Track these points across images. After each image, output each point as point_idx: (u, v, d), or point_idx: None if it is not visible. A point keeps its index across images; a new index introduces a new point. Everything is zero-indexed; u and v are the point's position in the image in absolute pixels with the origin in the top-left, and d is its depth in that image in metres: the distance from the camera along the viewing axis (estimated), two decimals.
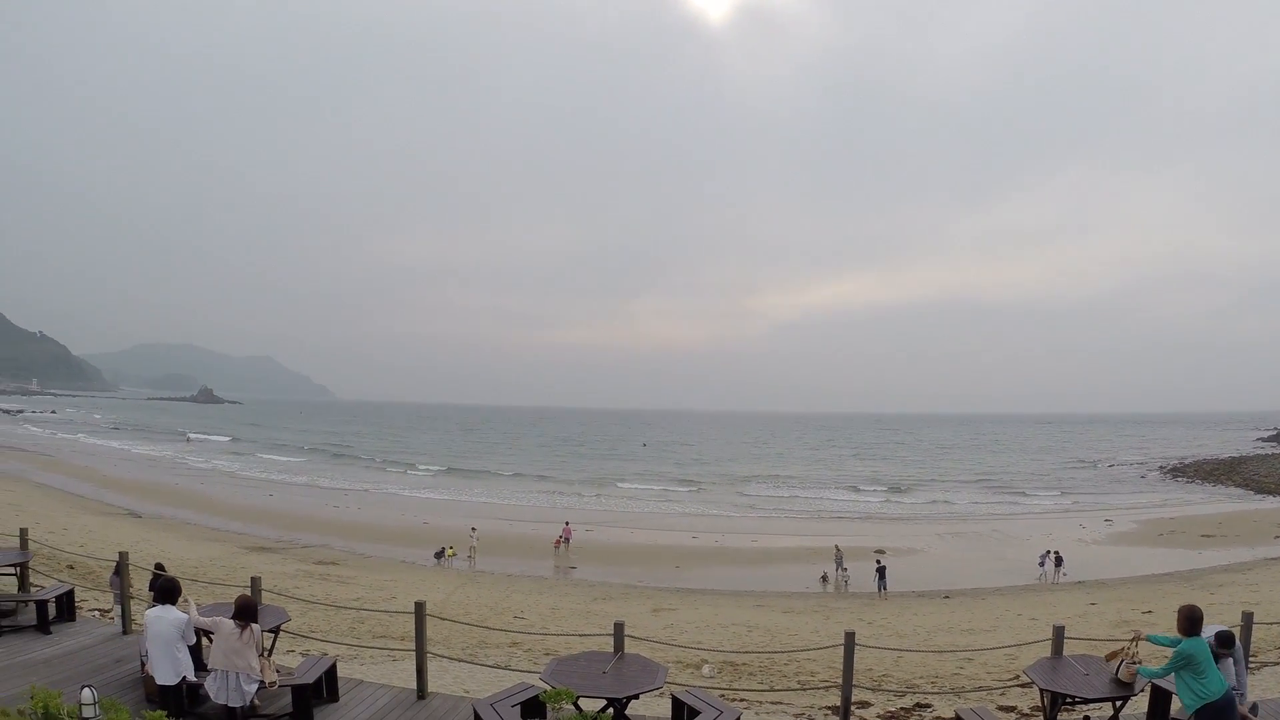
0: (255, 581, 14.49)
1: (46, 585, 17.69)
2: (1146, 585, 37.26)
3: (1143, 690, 11.38)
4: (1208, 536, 52.80)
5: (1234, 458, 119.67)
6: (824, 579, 41.46)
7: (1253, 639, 14.08)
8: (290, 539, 47.60)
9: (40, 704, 8.50)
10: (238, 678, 10.89)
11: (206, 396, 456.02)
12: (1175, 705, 10.77)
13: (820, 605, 34.97)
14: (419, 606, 13.40)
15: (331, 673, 12.56)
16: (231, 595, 13.25)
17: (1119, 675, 11.06)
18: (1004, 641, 24.80)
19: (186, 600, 11.96)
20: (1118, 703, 11.07)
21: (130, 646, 14.28)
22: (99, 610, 20.45)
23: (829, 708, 16.59)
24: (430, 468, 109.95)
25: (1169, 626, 11.57)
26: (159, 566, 17.15)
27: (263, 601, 13.73)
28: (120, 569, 16.14)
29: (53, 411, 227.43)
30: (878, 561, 40.96)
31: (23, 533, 18.18)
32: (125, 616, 15.71)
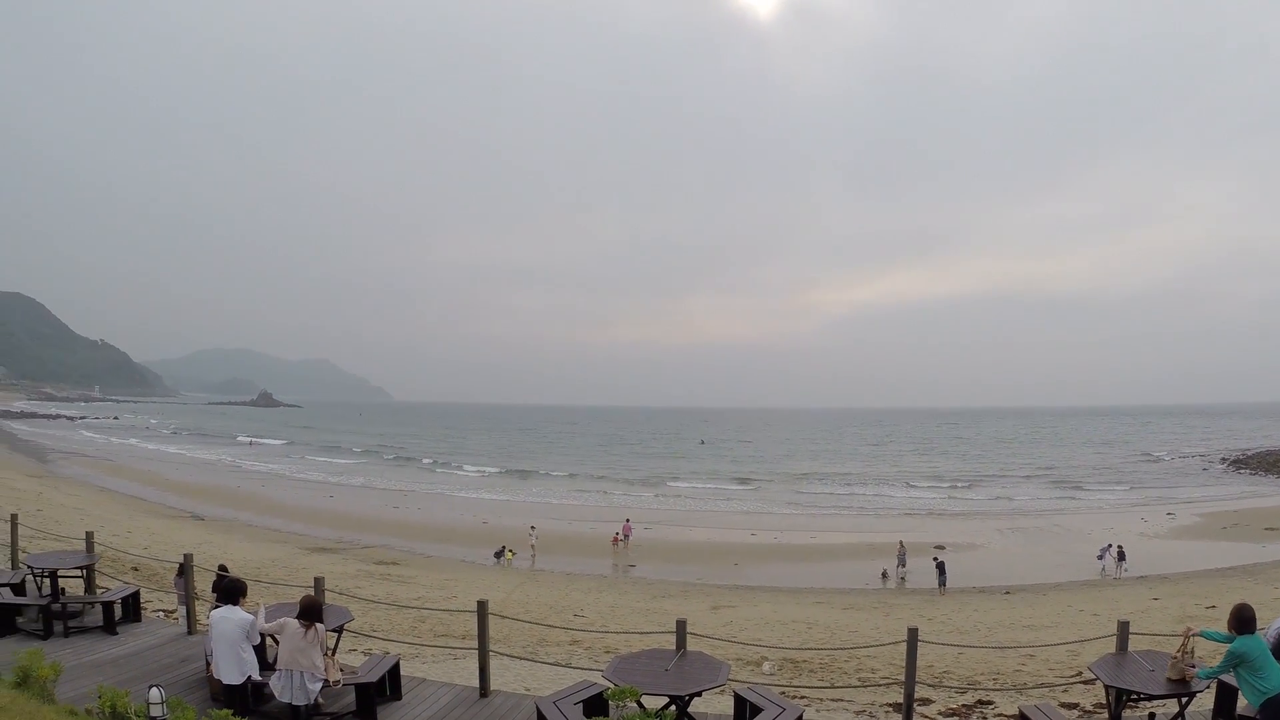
0: (319, 582, 14.55)
1: (112, 587, 17.92)
2: (1209, 580, 36.64)
3: (1208, 687, 11.14)
4: (1272, 530, 51.72)
5: None
6: (884, 575, 41.18)
7: None
8: (350, 540, 48.00)
9: (108, 703, 8.60)
10: (302, 676, 10.95)
11: (265, 400, 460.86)
12: (1241, 702, 10.53)
13: (880, 601, 34.73)
14: (481, 605, 13.38)
15: (395, 671, 12.60)
16: (294, 595, 13.33)
17: (1169, 674, 10.78)
18: (1065, 638, 24.44)
19: (257, 605, 12.07)
20: (1183, 699, 10.80)
21: (195, 647, 14.39)
22: (163, 611, 20.68)
23: (890, 705, 16.44)
24: (488, 468, 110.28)
25: None
26: (222, 568, 17.30)
27: (326, 601, 13.79)
28: (184, 570, 16.30)
29: (115, 417, 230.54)
30: (935, 558, 40.58)
31: (88, 536, 18.38)
32: (190, 617, 15.86)
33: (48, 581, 16.45)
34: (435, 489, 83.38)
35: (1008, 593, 36.29)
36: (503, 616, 17.72)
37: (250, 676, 11.41)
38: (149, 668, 13.46)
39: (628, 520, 53.29)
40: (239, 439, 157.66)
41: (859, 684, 19.25)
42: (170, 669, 13.43)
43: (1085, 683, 17.33)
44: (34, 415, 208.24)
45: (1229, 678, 10.40)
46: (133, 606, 16.46)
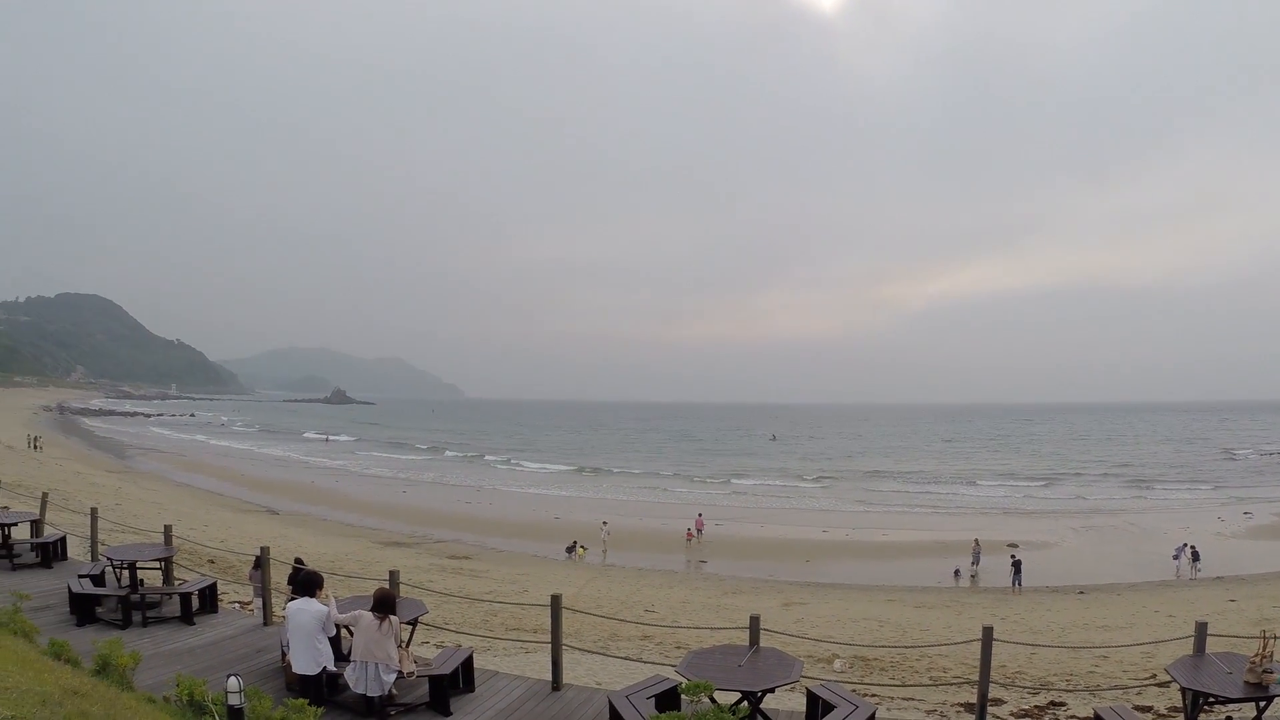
0: (393, 575, 14.65)
1: (189, 579, 18.20)
2: None
3: None
4: None
5: None
6: (956, 574, 40.75)
7: None
8: (423, 534, 48.51)
9: (185, 691, 8.72)
10: (377, 668, 11.03)
11: (339, 398, 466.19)
12: None
13: (952, 600, 34.38)
14: (555, 600, 13.37)
15: (468, 664, 12.65)
16: (367, 589, 13.45)
17: (1247, 678, 10.50)
18: (1140, 639, 24.03)
19: (328, 596, 12.18)
20: (1261, 704, 10.50)
21: (271, 637, 14.59)
22: (239, 603, 20.99)
23: (962, 705, 16.24)
24: (559, 465, 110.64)
25: None
26: (298, 561, 17.50)
27: (400, 594, 13.89)
28: (261, 563, 16.51)
29: (191, 415, 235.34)
30: (1013, 556, 40.02)
31: (166, 529, 18.69)
32: (266, 608, 16.06)
33: (127, 573, 16.78)
34: (506, 485, 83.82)
35: (1081, 592, 35.72)
36: (575, 611, 17.77)
37: (325, 667, 11.52)
38: (225, 658, 13.66)
39: (700, 514, 53.44)
40: (306, 435, 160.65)
41: (930, 683, 19.07)
42: (246, 659, 13.62)
43: (1159, 685, 17.02)
44: (111, 413, 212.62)
45: None
46: (210, 598, 16.74)
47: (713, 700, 9.45)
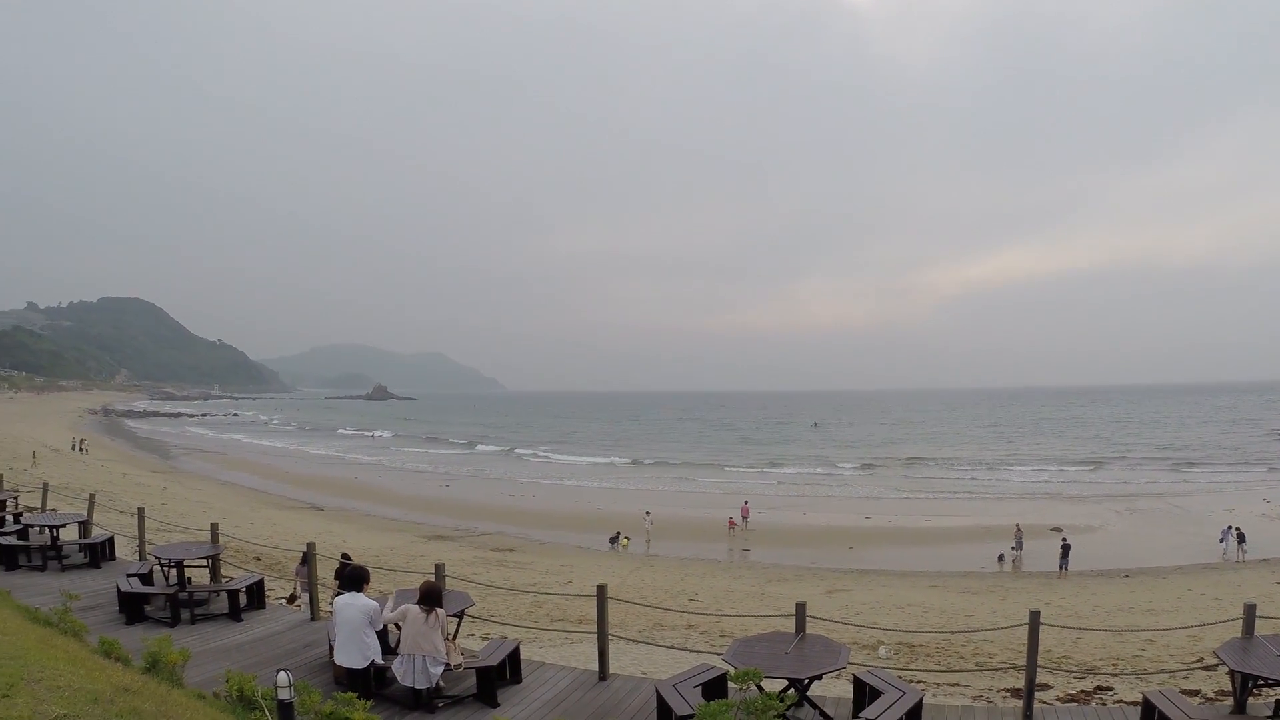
0: (439, 568, 14.69)
1: (236, 576, 18.34)
2: None
3: None
4: None
5: None
6: (1000, 558, 40.53)
7: None
8: (467, 527, 48.78)
9: (235, 686, 8.78)
10: (424, 660, 11.08)
11: (380, 394, 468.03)
12: None
13: (997, 585, 34.18)
14: (601, 590, 13.35)
15: (515, 655, 12.67)
16: (412, 582, 13.50)
17: None
18: (1186, 622, 23.82)
19: (384, 595, 12.24)
20: None
21: (318, 632, 14.68)
22: (285, 598, 21.17)
23: (1008, 690, 16.18)
24: (601, 456, 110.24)
25: None
26: (345, 556, 17.62)
27: (446, 587, 13.94)
28: (307, 558, 16.62)
29: (234, 414, 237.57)
30: (1063, 539, 39.74)
31: (213, 527, 18.86)
32: (313, 604, 16.16)
33: (174, 571, 16.97)
34: (548, 477, 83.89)
35: (1126, 576, 35.46)
36: (619, 601, 17.78)
37: (373, 661, 11.58)
38: (274, 653, 13.76)
39: (745, 502, 53.49)
40: (339, 431, 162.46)
41: (976, 668, 19.00)
42: (294, 654, 13.71)
43: (1207, 669, 16.88)
44: (155, 414, 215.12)
45: None
46: (257, 594, 16.85)
47: (760, 688, 9.43)
